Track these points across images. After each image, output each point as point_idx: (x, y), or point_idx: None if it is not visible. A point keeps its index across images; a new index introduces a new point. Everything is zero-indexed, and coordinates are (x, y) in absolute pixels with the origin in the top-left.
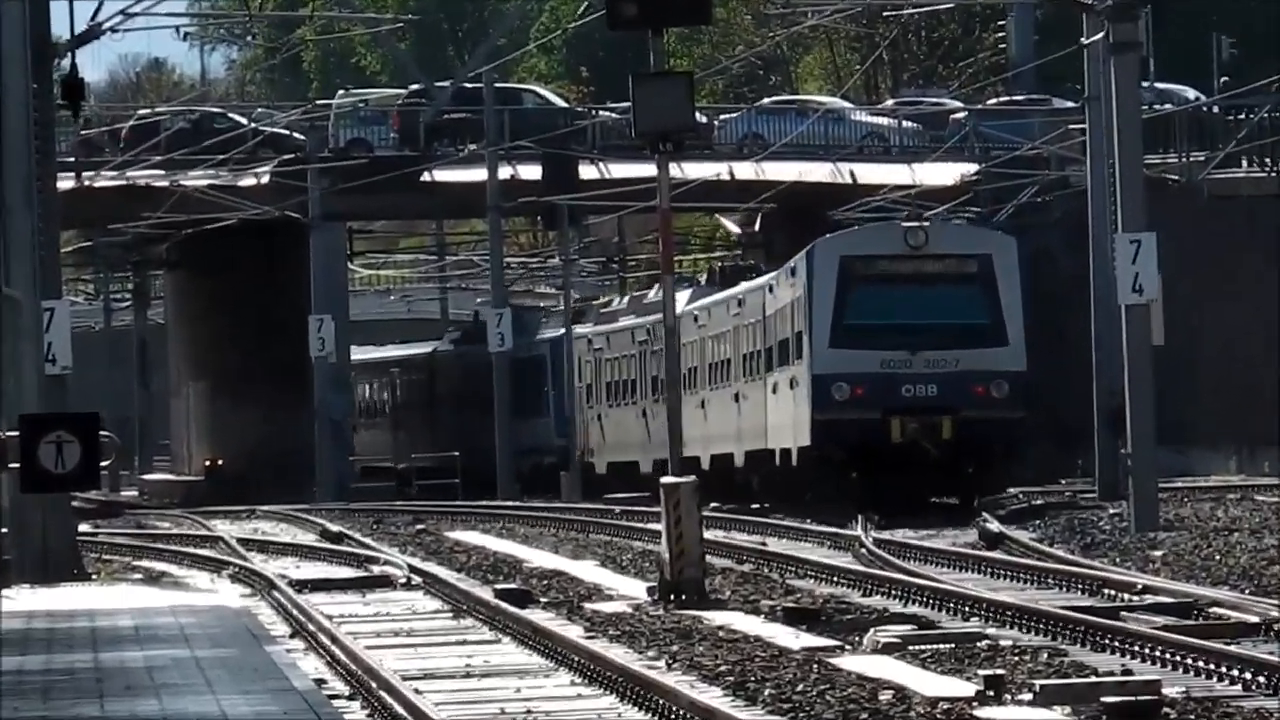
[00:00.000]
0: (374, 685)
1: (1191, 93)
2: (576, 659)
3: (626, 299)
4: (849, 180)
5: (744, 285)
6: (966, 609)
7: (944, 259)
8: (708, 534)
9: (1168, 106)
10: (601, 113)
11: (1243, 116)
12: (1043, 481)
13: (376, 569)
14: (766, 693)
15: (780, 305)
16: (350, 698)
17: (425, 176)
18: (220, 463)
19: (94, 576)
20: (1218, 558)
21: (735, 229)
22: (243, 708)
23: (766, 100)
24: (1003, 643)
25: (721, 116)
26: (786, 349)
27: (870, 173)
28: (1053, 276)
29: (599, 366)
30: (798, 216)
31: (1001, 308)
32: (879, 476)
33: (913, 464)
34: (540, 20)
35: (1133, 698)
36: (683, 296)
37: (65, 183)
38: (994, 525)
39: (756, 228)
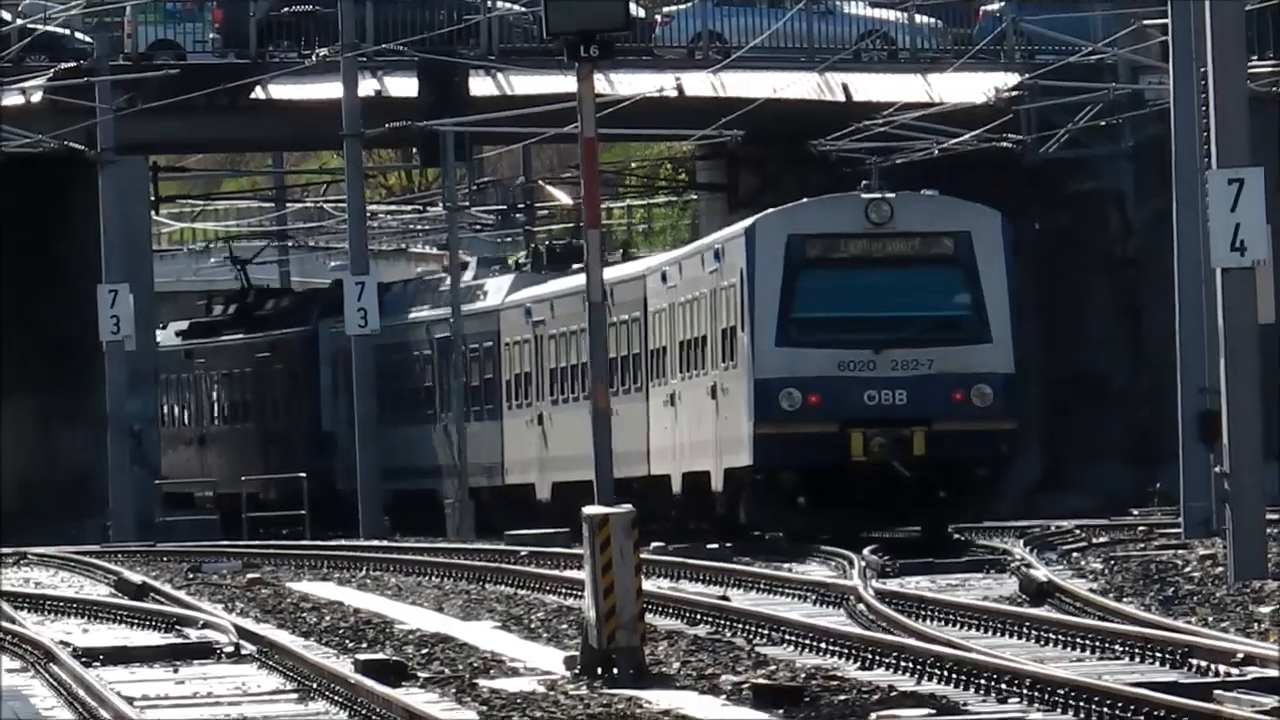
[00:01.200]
0: None
1: None
2: None
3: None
4: (841, 97)
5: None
6: (1003, 686)
7: (913, 238)
8: (650, 584)
9: None
10: (500, 4)
11: None
12: (1105, 511)
13: (194, 634)
14: None
15: (694, 294)
16: None
17: (257, 93)
18: None
19: None
20: None
21: (565, 199)
22: None
23: None
24: None
25: (665, 9)
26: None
27: (871, 86)
28: (1124, 232)
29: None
30: (773, 147)
31: (984, 296)
32: (834, 502)
33: (877, 486)
34: None
35: None
36: (499, 285)
37: None
38: (1040, 571)
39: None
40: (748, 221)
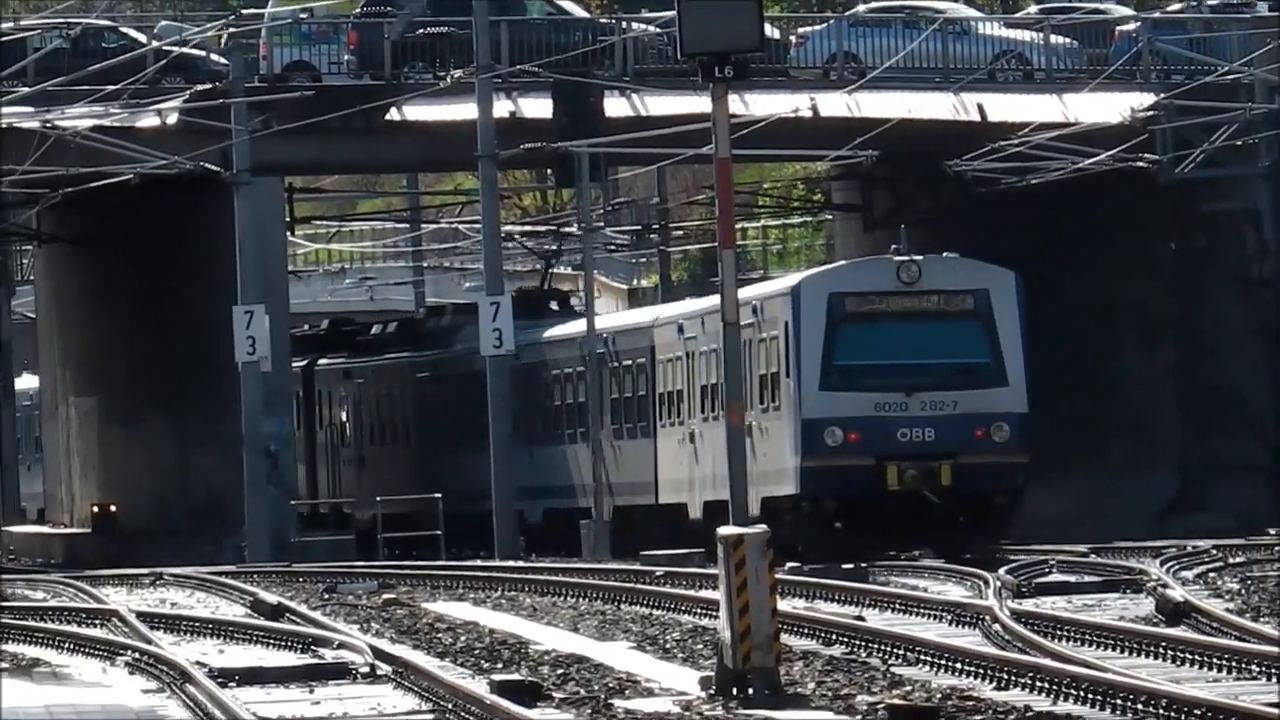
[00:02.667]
0: None
1: None
2: None
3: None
4: (976, 117)
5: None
6: (1139, 707)
7: (939, 295)
8: (784, 604)
9: None
10: (634, 25)
11: None
12: (1241, 531)
13: (329, 654)
14: None
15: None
16: None
17: (392, 114)
18: (113, 509)
19: None
20: None
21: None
22: None
23: (861, 7)
24: None
25: (801, 30)
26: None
27: (1006, 106)
28: (1260, 252)
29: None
30: (907, 167)
31: (1000, 346)
32: (871, 526)
33: (909, 512)
34: None
35: None
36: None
37: None
38: (1176, 591)
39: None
40: (790, 281)
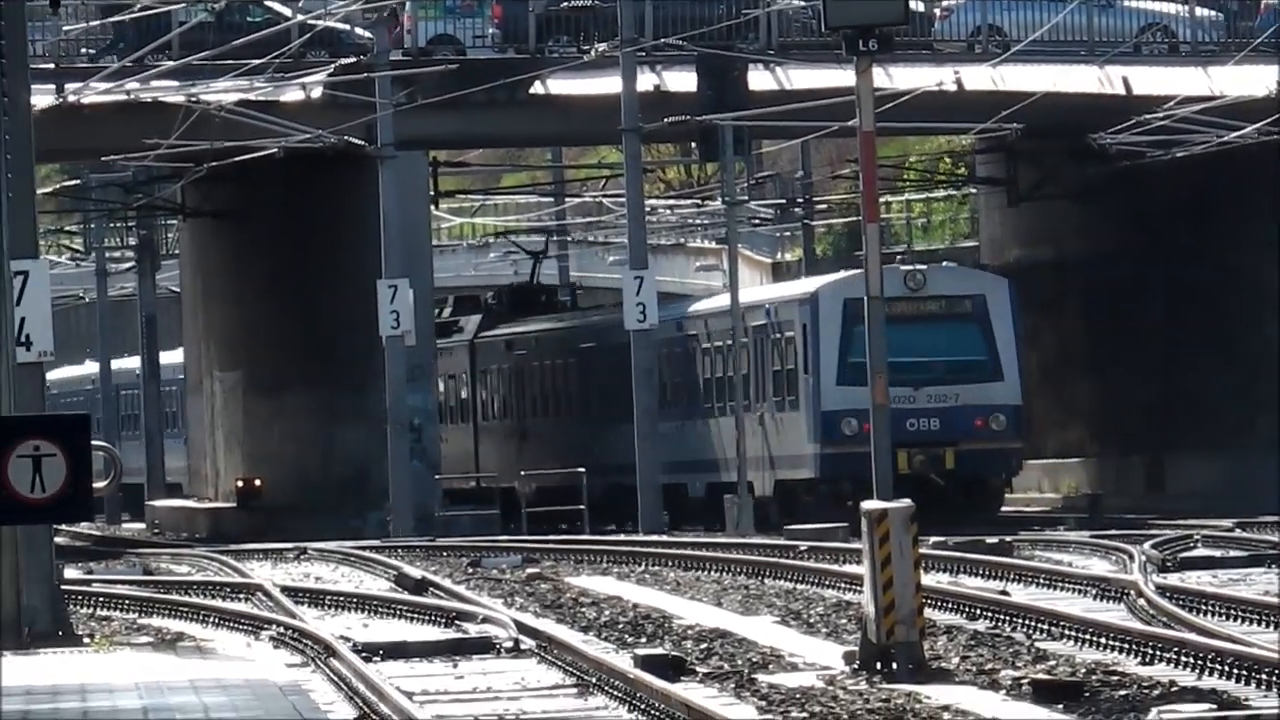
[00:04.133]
0: None
1: None
2: None
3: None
4: (1121, 90)
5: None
6: None
7: (941, 300)
8: (929, 579)
9: None
10: None
11: None
12: None
13: (473, 629)
14: None
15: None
16: None
17: (536, 88)
18: (258, 483)
19: (87, 640)
20: None
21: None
22: None
23: None
24: None
25: (945, 3)
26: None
27: (1150, 79)
28: None
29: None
30: (1052, 140)
31: (997, 345)
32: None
33: (917, 493)
34: None
35: None
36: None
37: (42, 98)
38: None
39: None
40: (808, 288)
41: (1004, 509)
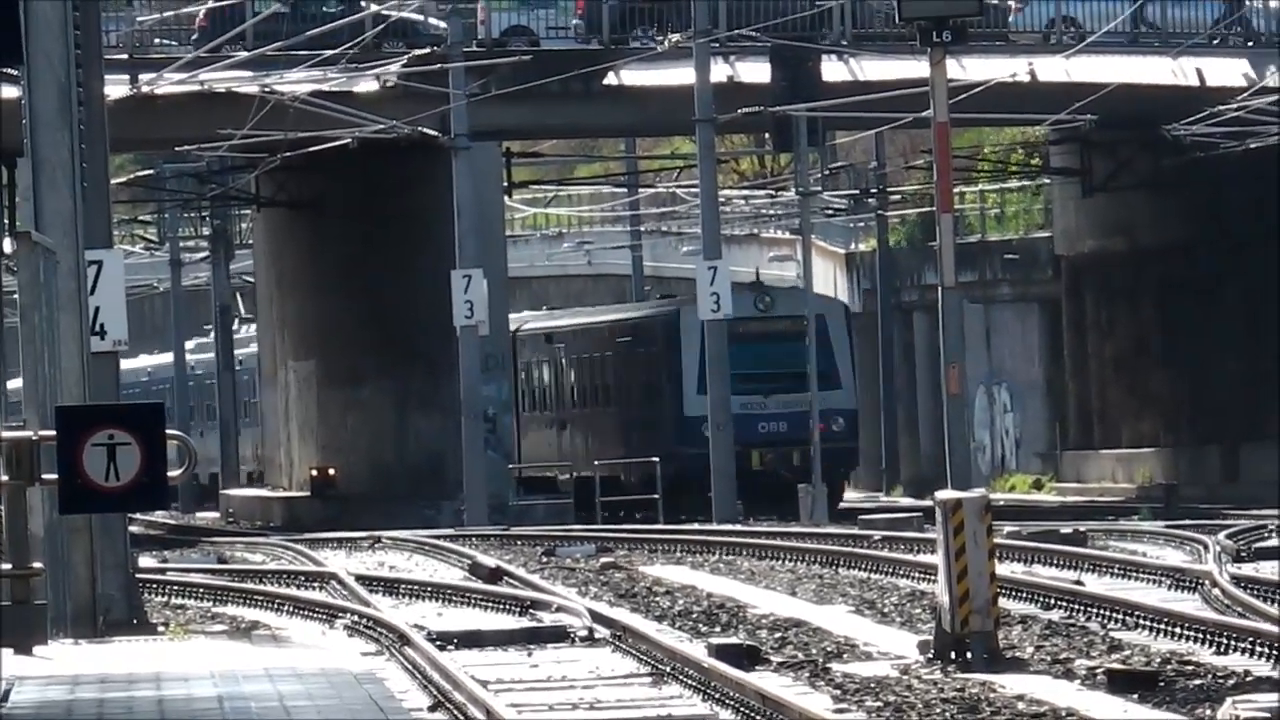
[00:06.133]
0: None
1: None
2: None
3: None
4: (1195, 81)
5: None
6: None
7: (787, 319)
8: (1003, 568)
9: None
10: None
11: None
12: None
13: (547, 618)
14: None
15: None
16: None
17: (610, 79)
18: (332, 473)
19: (161, 629)
20: None
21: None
22: None
23: None
24: None
25: None
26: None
27: (1225, 70)
28: None
29: None
30: (1126, 132)
31: (835, 358)
32: (740, 496)
33: (768, 486)
34: None
35: None
36: None
37: (116, 89)
38: None
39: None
40: (670, 308)
41: (1060, 496)
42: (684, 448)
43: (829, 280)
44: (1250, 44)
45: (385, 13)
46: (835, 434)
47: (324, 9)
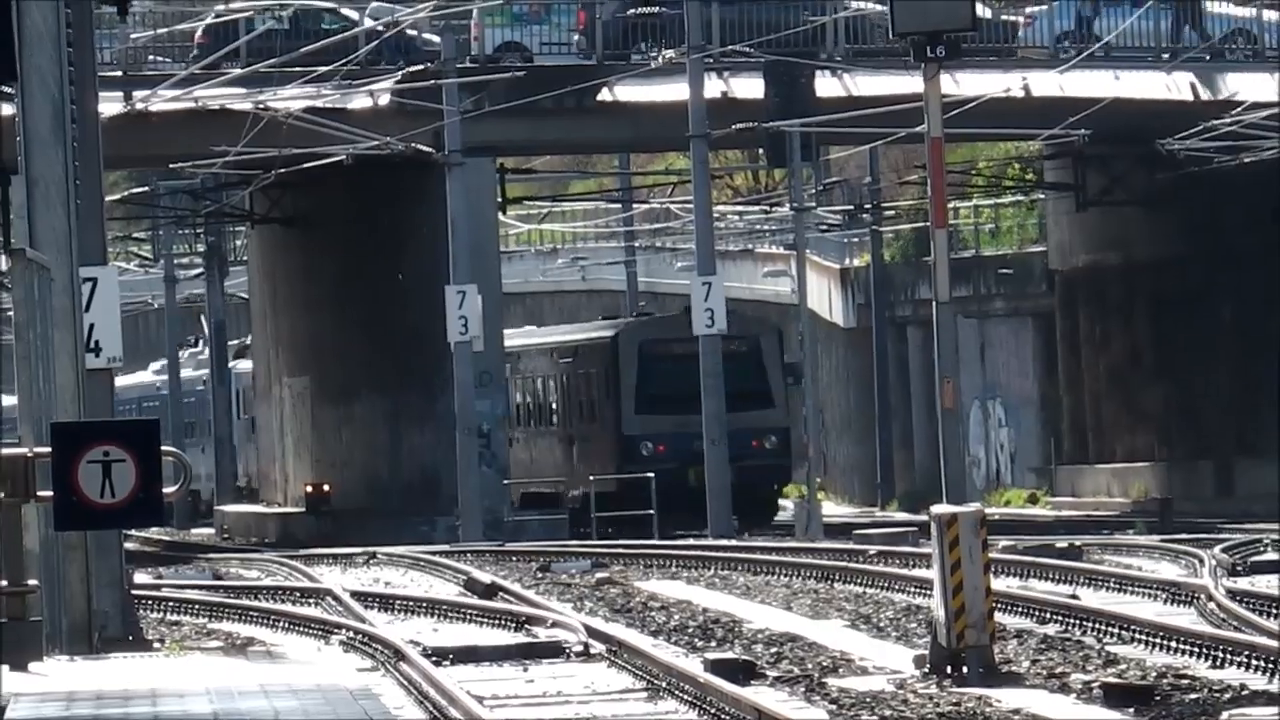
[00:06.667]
0: None
1: None
2: None
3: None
4: (1189, 95)
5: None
6: None
7: (723, 341)
8: (998, 583)
9: None
10: (854, 2)
11: None
12: None
13: (543, 633)
14: None
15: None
16: None
17: (604, 94)
18: (326, 489)
19: (156, 645)
20: None
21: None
22: None
23: None
24: None
25: (1028, 9)
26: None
27: (1220, 85)
28: None
29: None
30: (1120, 146)
31: (769, 378)
32: (678, 512)
33: (704, 501)
34: None
35: None
36: None
37: (111, 105)
38: None
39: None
40: (609, 331)
41: (1055, 511)
42: (625, 465)
43: (824, 296)
44: (1259, 58)
45: (379, 29)
46: (768, 451)
47: (322, 26)
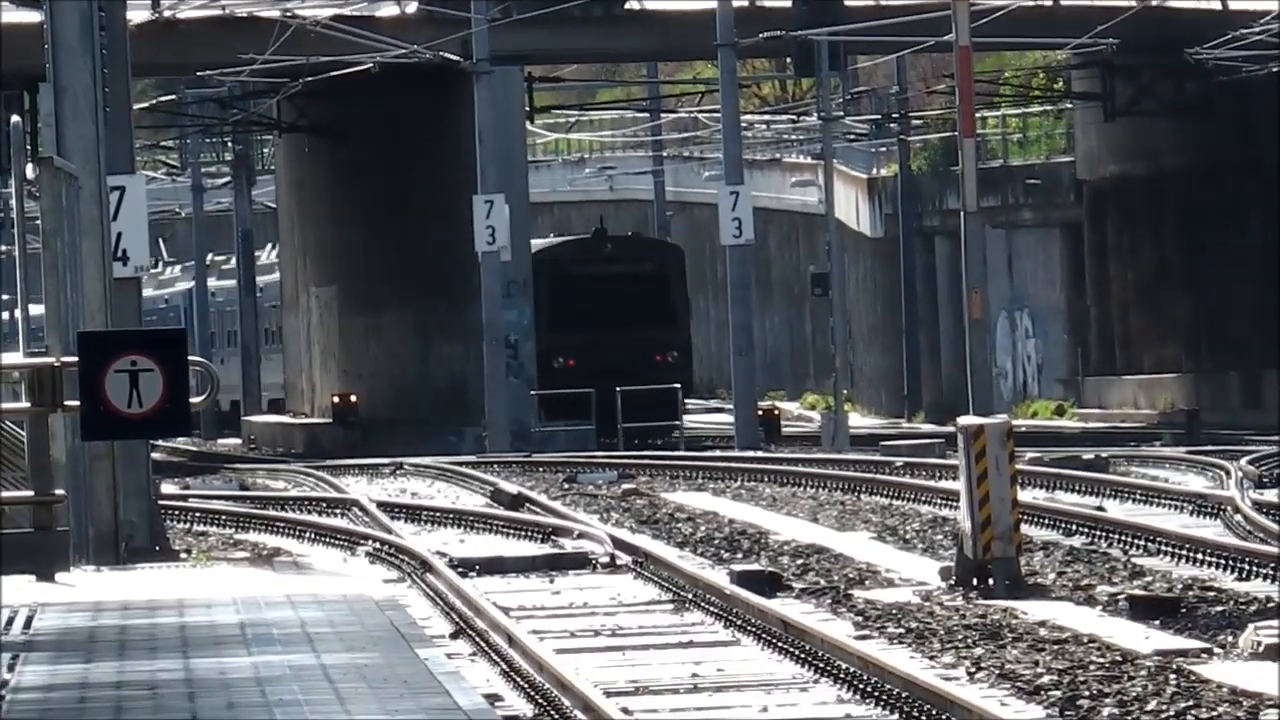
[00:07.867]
0: (567, 704)
1: None
2: (844, 667)
3: None
4: (1217, 4)
5: None
6: None
7: (629, 261)
8: (1025, 495)
9: None
10: None
11: None
12: None
13: (569, 544)
14: (1105, 713)
15: None
16: None
17: (632, 3)
18: (353, 399)
19: (183, 555)
20: None
21: None
22: None
23: None
24: None
25: None
26: None
27: None
28: None
29: None
30: (1149, 56)
31: (671, 297)
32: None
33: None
34: None
35: None
36: None
37: (138, 14)
38: None
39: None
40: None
41: (1082, 422)
42: (541, 378)
43: (851, 206)
44: None
45: None
46: (670, 364)
47: None
